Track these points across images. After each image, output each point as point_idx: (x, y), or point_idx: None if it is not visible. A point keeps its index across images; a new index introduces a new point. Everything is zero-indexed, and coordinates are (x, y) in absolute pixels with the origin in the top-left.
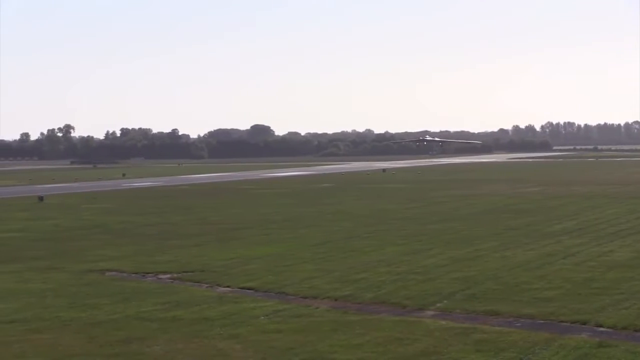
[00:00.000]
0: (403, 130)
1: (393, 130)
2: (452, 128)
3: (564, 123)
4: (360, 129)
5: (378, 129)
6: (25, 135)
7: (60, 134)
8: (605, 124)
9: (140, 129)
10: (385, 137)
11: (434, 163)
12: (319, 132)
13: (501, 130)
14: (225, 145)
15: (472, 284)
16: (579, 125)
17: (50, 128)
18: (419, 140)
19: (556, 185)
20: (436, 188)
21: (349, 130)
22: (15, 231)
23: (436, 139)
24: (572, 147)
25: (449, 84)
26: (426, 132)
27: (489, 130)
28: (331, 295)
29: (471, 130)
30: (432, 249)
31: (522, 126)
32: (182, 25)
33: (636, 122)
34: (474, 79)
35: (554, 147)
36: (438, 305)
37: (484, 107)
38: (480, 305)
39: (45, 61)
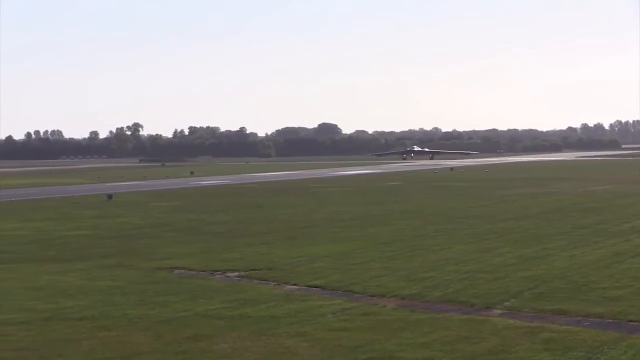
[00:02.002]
0: (471, 129)
1: (460, 128)
2: (521, 126)
3: (633, 121)
4: (428, 127)
5: (445, 127)
6: (94, 134)
7: (128, 133)
8: None
9: (208, 127)
10: (452, 135)
11: (502, 161)
12: (386, 130)
13: (569, 128)
14: (292, 144)
15: (540, 282)
16: None
17: (119, 126)
18: (405, 152)
19: (625, 183)
20: (504, 186)
21: (416, 128)
22: (84, 229)
23: (426, 149)
24: None
25: (516, 82)
26: (493, 131)
27: (558, 128)
28: (398, 293)
29: (539, 129)
30: (500, 248)
31: (591, 124)
32: (251, 23)
33: None
34: (541, 77)
35: (623, 146)
36: (506, 304)
37: (552, 106)
38: (549, 304)
39: (113, 60)
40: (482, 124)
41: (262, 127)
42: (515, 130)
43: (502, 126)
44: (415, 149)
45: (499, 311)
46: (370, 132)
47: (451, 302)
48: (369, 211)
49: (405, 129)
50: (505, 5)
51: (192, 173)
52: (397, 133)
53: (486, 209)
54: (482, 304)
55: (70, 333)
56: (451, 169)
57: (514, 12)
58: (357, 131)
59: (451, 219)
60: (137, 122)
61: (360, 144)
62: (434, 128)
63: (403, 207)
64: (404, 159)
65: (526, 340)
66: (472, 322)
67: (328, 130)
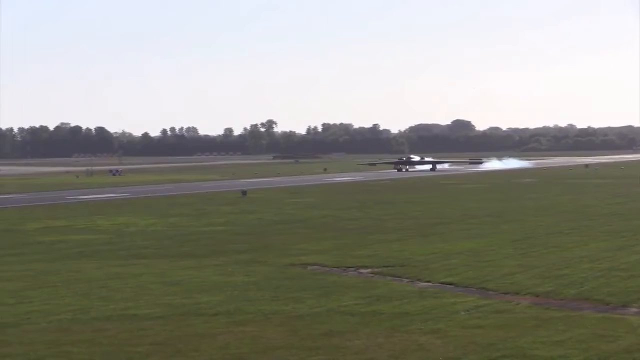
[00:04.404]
0: (606, 125)
1: (596, 125)
2: None
3: None
4: (562, 123)
5: (580, 124)
6: (229, 131)
7: (263, 129)
8: None
9: (341, 124)
10: (588, 132)
11: (638, 158)
12: (520, 127)
13: None
14: (425, 140)
15: None
16: None
17: (253, 123)
18: (401, 162)
19: None
20: None
21: (551, 125)
22: (220, 225)
23: (426, 159)
24: None
25: None
26: (629, 127)
27: None
28: (533, 291)
29: None
30: (636, 246)
31: None
32: (382, 21)
33: None
34: None
35: None
36: None
37: None
38: None
39: (247, 57)
40: (618, 121)
41: (396, 123)
42: None
43: (639, 122)
44: (413, 159)
45: (635, 309)
46: (504, 128)
47: (586, 300)
48: (503, 208)
49: (540, 125)
50: None
51: (325, 169)
52: (531, 130)
53: (622, 206)
54: (618, 302)
55: (206, 328)
56: (586, 165)
57: None
58: (491, 128)
59: (586, 216)
60: (271, 119)
61: (494, 140)
62: (568, 125)
63: (537, 204)
64: (399, 170)
65: None
66: (607, 320)
67: (462, 126)
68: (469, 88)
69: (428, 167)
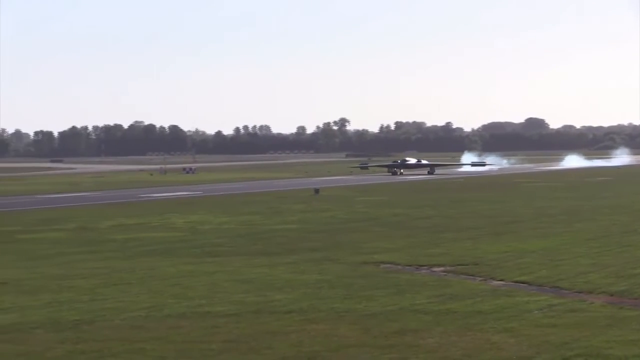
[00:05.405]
0: None
1: None
2: None
3: None
4: (637, 121)
5: None
6: (302, 129)
7: (335, 128)
8: None
9: (414, 122)
10: None
11: None
12: (594, 125)
13: None
14: (498, 139)
15: None
16: None
17: (326, 122)
18: (395, 165)
19: None
20: None
21: (625, 123)
22: (292, 223)
23: (423, 162)
24: None
25: None
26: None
27: None
28: (607, 290)
29: None
30: None
31: None
32: (454, 19)
33: None
34: None
35: None
36: None
37: None
38: None
39: (320, 56)
40: None
41: (469, 122)
42: None
43: None
44: (408, 162)
45: None
46: (577, 126)
47: None
48: (577, 206)
49: (614, 123)
50: None
51: None
52: (605, 128)
53: None
54: None
55: (279, 325)
56: None
57: None
58: (565, 126)
59: None
60: (343, 117)
61: (567, 138)
62: None
63: (612, 203)
64: (394, 173)
65: None
66: None
67: (535, 124)
68: None
69: (425, 170)
